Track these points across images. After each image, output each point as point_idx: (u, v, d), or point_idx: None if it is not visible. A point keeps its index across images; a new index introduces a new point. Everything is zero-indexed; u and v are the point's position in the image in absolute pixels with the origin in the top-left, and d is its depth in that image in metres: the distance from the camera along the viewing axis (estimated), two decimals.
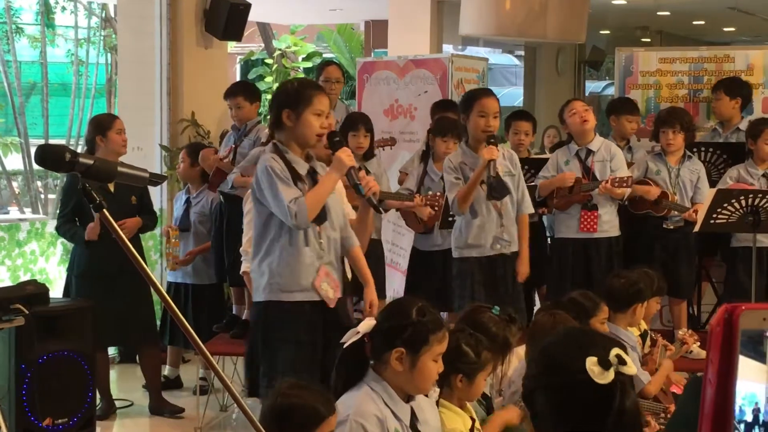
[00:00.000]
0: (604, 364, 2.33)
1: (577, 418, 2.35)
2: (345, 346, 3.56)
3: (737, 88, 7.98)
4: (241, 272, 5.15)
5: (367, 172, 7.30)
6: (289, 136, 4.67)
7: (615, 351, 2.35)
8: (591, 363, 2.33)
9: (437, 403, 3.93)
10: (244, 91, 8.07)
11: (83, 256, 7.12)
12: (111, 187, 6.89)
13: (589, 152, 7.17)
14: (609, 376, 2.32)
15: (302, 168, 4.68)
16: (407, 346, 3.50)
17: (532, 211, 6.65)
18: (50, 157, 2.78)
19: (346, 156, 4.64)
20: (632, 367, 2.35)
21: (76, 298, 7.05)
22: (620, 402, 2.33)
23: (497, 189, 6.26)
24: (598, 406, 2.34)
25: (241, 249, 5.16)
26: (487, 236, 6.34)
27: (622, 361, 2.34)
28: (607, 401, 2.33)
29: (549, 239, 7.76)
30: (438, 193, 6.97)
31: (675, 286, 7.24)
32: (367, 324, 3.56)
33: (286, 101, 4.66)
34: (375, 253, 7.59)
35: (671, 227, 7.36)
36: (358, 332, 3.55)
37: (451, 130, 7.05)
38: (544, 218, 7.78)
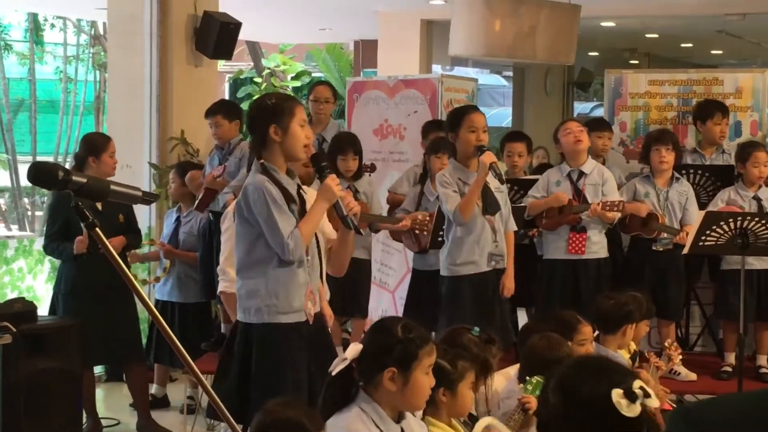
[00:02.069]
0: (631, 396, 2.28)
1: None
2: (333, 374, 3.54)
3: (728, 110, 8.02)
4: (218, 292, 5.08)
5: (357, 192, 7.31)
6: (277, 153, 4.59)
7: (638, 383, 2.30)
8: (617, 395, 2.28)
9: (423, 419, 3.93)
10: (222, 109, 8.10)
11: (70, 273, 7.08)
12: (99, 205, 6.85)
13: (581, 174, 7.18)
14: (636, 409, 2.27)
15: (292, 187, 4.62)
16: (398, 365, 3.50)
17: (516, 228, 6.69)
18: (43, 175, 2.77)
19: (335, 185, 4.58)
20: (656, 400, 2.30)
21: (62, 315, 7.01)
22: None
23: (491, 204, 6.29)
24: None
25: (218, 268, 5.08)
26: (482, 252, 6.33)
27: (646, 394, 2.29)
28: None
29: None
30: (427, 218, 7.02)
31: (664, 307, 7.24)
32: (354, 349, 3.55)
33: (270, 116, 4.56)
34: (362, 273, 7.59)
35: (660, 249, 7.36)
36: (345, 359, 3.53)
37: (445, 147, 7.07)
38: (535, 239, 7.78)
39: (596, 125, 8.02)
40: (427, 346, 3.57)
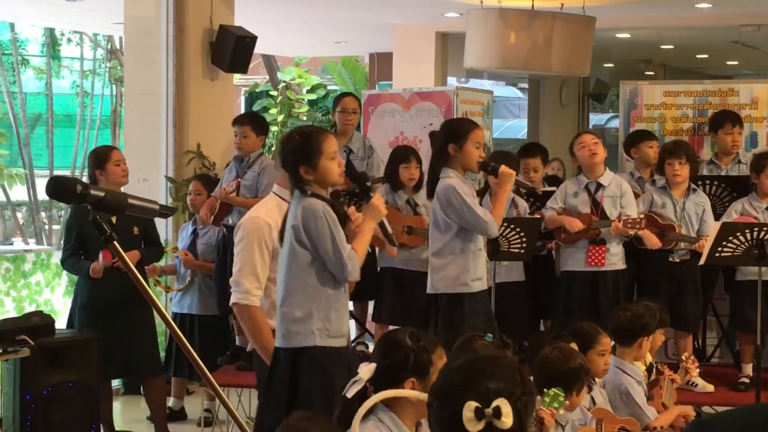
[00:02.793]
0: (479, 414, 2.39)
1: None
2: (349, 396, 3.53)
3: (741, 120, 8.02)
4: (231, 303, 5.09)
5: (417, 205, 7.38)
6: (314, 186, 4.63)
7: (497, 402, 2.40)
8: (468, 408, 2.39)
9: None
10: (252, 121, 8.13)
11: (87, 287, 7.10)
12: (113, 218, 6.87)
13: (599, 186, 7.17)
14: (478, 426, 2.38)
15: (340, 210, 4.69)
16: (415, 374, 3.54)
17: None
18: (61, 189, 2.79)
19: (382, 204, 4.69)
20: (507, 422, 2.39)
21: (80, 329, 7.04)
22: None
23: None
24: None
25: (231, 280, 5.09)
26: (484, 267, 6.28)
27: (497, 415, 2.39)
28: None
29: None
30: None
31: (681, 319, 7.25)
32: (369, 369, 3.55)
33: (298, 159, 4.62)
34: (420, 285, 7.55)
35: (677, 260, 7.35)
36: (360, 380, 3.53)
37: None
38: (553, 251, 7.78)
39: (645, 136, 8.01)
40: (438, 349, 3.63)
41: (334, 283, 4.63)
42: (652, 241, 7.25)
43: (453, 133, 6.18)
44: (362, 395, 3.54)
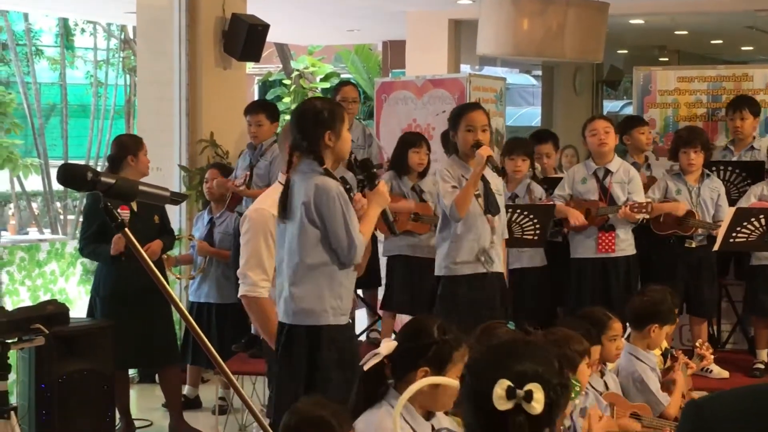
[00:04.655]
0: (510, 393, 2.34)
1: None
2: (366, 368, 3.55)
3: (758, 107, 7.97)
4: (239, 295, 5.09)
5: (422, 192, 7.40)
6: (329, 157, 4.68)
7: (530, 386, 2.35)
8: (500, 386, 2.35)
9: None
10: (266, 109, 8.13)
11: (108, 277, 7.11)
12: (134, 206, 6.91)
13: (608, 172, 7.15)
14: (506, 405, 2.34)
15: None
16: (431, 365, 3.53)
17: (508, 236, 6.60)
18: (72, 176, 2.79)
19: (386, 191, 4.75)
20: (536, 408, 2.34)
21: (100, 318, 7.05)
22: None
23: (493, 204, 6.23)
24: (496, 425, 2.38)
25: (238, 272, 5.09)
26: (481, 252, 6.26)
27: (528, 398, 2.34)
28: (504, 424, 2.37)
29: None
30: None
31: (697, 305, 7.24)
32: (388, 346, 3.56)
33: (326, 123, 4.65)
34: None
35: (694, 246, 7.31)
36: (378, 354, 3.54)
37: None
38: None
39: (636, 122, 8.02)
40: (461, 348, 3.59)
41: (341, 263, 4.65)
42: (677, 208, 7.20)
43: (450, 121, 6.38)
44: (379, 371, 3.55)
